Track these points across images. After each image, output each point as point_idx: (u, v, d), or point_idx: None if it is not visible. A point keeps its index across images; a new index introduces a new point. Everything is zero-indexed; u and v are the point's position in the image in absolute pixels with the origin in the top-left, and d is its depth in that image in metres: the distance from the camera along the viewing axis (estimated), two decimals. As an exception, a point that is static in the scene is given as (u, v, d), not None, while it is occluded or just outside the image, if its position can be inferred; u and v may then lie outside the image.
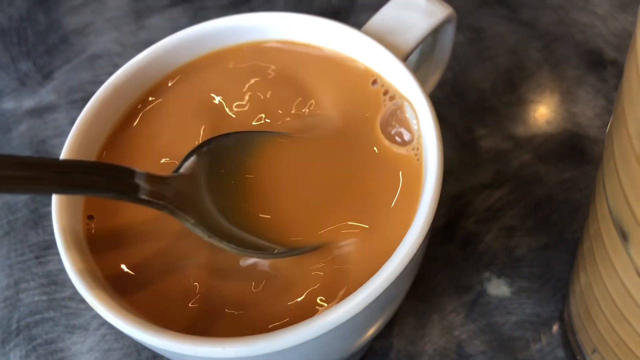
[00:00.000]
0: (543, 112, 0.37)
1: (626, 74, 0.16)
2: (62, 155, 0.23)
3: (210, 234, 0.21)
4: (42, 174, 0.18)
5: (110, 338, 0.31)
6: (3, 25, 0.45)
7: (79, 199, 0.23)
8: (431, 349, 0.30)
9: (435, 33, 0.27)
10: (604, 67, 0.39)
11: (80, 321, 0.32)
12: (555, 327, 0.30)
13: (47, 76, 0.42)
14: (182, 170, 0.22)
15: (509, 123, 0.37)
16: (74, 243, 0.21)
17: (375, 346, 0.30)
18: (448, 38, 0.27)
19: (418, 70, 0.30)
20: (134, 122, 0.25)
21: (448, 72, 0.39)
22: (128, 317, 0.19)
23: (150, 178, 0.20)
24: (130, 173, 0.20)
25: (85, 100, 0.27)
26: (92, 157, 0.24)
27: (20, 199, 0.37)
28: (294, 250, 0.22)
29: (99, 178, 0.19)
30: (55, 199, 0.22)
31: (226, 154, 0.23)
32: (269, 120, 0.25)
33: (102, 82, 0.25)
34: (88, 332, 0.31)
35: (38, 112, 0.41)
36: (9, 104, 0.41)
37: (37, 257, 0.34)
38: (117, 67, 0.42)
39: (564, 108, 0.38)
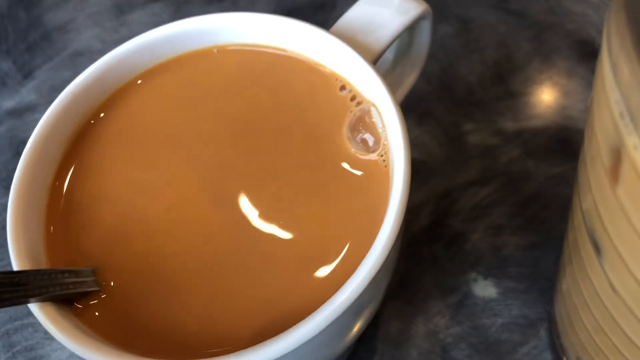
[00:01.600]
0: (532, 106, 0.36)
1: (594, 83, 0.15)
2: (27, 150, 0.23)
3: None
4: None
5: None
6: (-17, 24, 0.44)
7: (39, 216, 0.22)
8: (416, 352, 0.29)
9: (411, 30, 0.25)
10: (595, 58, 0.38)
11: (60, 327, 0.31)
12: (542, 330, 0.29)
13: (27, 75, 0.41)
14: None
15: (497, 117, 0.36)
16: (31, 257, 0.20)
17: (359, 350, 0.29)
18: (424, 35, 0.26)
19: (395, 69, 0.28)
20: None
21: (435, 65, 0.38)
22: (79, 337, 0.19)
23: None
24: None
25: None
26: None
27: (0, 202, 0.36)
28: None
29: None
30: (10, 216, 0.21)
31: None
32: (229, 126, 0.24)
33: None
34: (68, 338, 0.31)
35: (18, 112, 0.40)
36: (-11, 105, 0.40)
37: (17, 262, 0.34)
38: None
39: (554, 101, 0.36)
